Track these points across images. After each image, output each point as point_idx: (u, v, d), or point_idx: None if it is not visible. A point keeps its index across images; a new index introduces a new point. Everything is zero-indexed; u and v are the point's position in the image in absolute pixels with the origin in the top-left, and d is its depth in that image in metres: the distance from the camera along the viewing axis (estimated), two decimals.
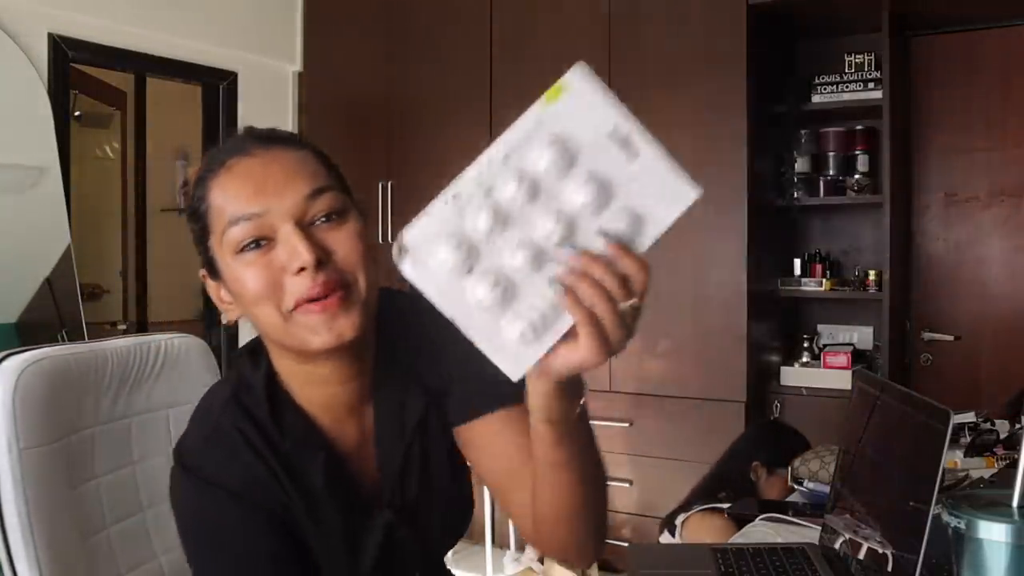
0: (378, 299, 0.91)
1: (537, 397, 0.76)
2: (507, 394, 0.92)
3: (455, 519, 1.06)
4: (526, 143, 0.67)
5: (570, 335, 0.67)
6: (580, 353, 0.67)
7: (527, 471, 0.90)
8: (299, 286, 0.84)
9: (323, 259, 0.84)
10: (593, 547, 0.93)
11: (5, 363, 1.23)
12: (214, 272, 0.91)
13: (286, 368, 0.94)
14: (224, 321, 0.93)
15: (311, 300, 0.84)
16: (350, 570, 0.96)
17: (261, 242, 0.86)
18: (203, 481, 0.91)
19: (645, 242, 0.71)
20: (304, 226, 0.85)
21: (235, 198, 0.86)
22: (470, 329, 0.67)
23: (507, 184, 0.66)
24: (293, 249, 0.84)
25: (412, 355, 0.98)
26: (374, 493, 0.99)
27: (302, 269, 0.84)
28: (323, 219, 0.87)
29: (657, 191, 0.73)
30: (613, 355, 0.68)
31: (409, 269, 0.67)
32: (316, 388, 0.94)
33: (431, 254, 0.66)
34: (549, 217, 0.67)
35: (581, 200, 0.68)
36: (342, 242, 0.86)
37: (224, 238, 0.87)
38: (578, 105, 0.69)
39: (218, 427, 0.93)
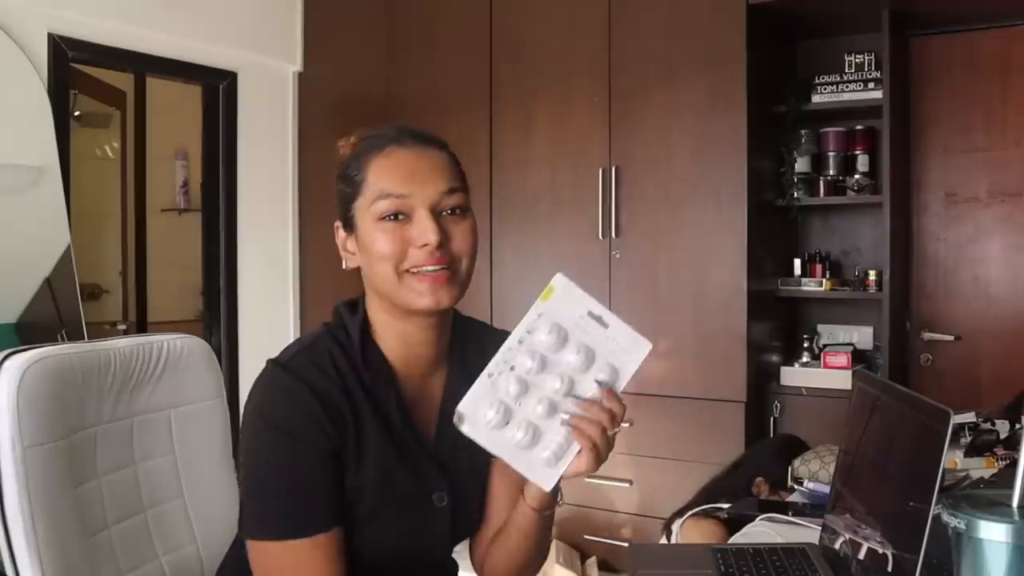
0: (460, 321, 1.20)
1: (540, 496, 1.09)
2: None
3: (482, 505, 1.21)
4: (533, 330, 1.00)
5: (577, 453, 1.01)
6: (584, 466, 1.01)
7: (501, 518, 1.17)
8: (420, 256, 1.06)
9: (443, 242, 1.07)
10: None
11: (8, 362, 1.24)
12: (349, 226, 1.14)
13: (381, 320, 1.13)
14: (344, 266, 1.17)
15: (424, 271, 1.06)
16: (385, 518, 1.09)
17: (400, 216, 1.07)
18: (288, 374, 1.06)
19: (622, 384, 1.02)
20: (436, 213, 1.08)
21: (388, 178, 1.08)
22: (513, 461, 1.01)
23: (524, 361, 1.00)
24: (425, 229, 1.06)
25: (477, 356, 1.15)
26: (431, 459, 1.14)
27: (425, 245, 1.06)
28: (450, 212, 1.09)
29: (624, 348, 1.01)
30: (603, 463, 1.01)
31: (467, 429, 1.00)
32: (401, 344, 1.13)
33: (480, 416, 1.00)
34: (555, 378, 1.00)
35: (575, 363, 1.00)
36: (460, 232, 1.09)
37: (372, 206, 1.08)
38: (564, 299, 1.01)
39: (314, 345, 1.11)
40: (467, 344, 1.20)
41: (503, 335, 1.13)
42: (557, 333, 0.99)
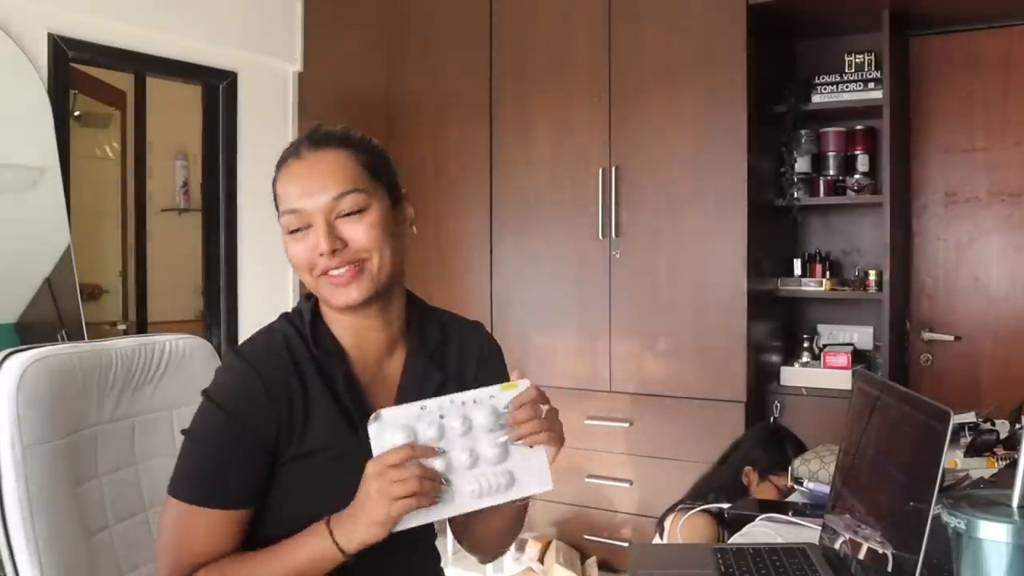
0: (411, 299, 1.27)
1: None
2: None
3: None
4: (479, 403, 1.08)
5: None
6: (552, 451, 1.10)
7: None
8: (322, 262, 1.14)
9: (338, 247, 1.13)
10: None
11: (9, 361, 1.24)
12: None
13: (328, 310, 1.22)
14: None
15: (330, 274, 1.14)
16: (333, 497, 1.11)
17: (303, 228, 1.15)
18: (239, 359, 1.16)
19: (505, 498, 1.09)
20: (331, 220, 1.14)
21: (286, 194, 1.16)
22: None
23: (454, 421, 1.07)
24: (318, 239, 1.13)
25: (441, 346, 1.27)
26: None
27: (322, 254, 1.13)
28: (346, 214, 1.14)
29: (533, 472, 1.09)
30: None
31: (373, 430, 1.05)
32: (349, 329, 1.21)
33: (390, 433, 1.05)
34: (465, 452, 1.06)
35: (490, 455, 1.07)
36: (360, 230, 1.14)
37: (282, 219, 1.18)
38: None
39: (270, 330, 1.22)
40: (425, 327, 1.27)
41: (461, 321, 1.33)
42: (493, 420, 1.07)
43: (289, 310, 1.26)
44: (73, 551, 1.26)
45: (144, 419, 1.42)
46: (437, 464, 1.05)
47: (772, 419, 3.02)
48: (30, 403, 1.22)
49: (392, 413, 1.05)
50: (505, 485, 1.08)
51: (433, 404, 1.07)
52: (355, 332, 1.21)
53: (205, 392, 1.15)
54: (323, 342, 1.20)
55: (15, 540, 1.20)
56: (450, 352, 1.28)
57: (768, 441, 2.39)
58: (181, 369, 1.47)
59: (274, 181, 1.20)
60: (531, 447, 1.09)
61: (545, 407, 1.09)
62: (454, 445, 1.06)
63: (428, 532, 1.30)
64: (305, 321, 1.21)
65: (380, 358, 1.23)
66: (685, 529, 2.05)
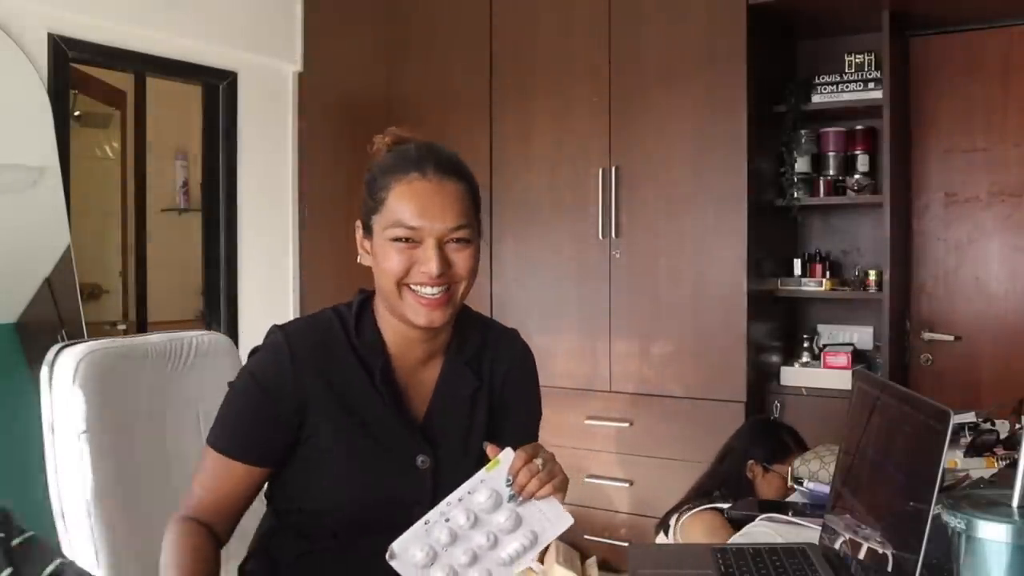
0: (465, 314, 1.34)
1: None
2: (536, 435, 1.39)
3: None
4: (473, 491, 1.14)
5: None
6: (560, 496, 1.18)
7: None
8: (422, 278, 1.21)
9: (444, 271, 1.22)
10: None
11: (63, 355, 1.36)
12: (367, 229, 1.27)
13: (382, 312, 1.29)
14: (359, 260, 1.31)
15: (423, 292, 1.22)
16: (369, 464, 1.25)
17: (408, 240, 1.22)
18: (278, 334, 1.26)
19: (538, 549, 1.18)
20: (442, 244, 1.22)
21: (405, 210, 1.22)
22: None
23: (459, 517, 1.13)
24: (429, 259, 1.20)
25: (479, 352, 1.35)
26: (413, 424, 1.29)
27: (425, 271, 1.21)
28: (456, 242, 1.23)
29: (549, 518, 1.17)
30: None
31: (396, 564, 1.12)
32: (398, 334, 1.28)
33: (409, 555, 1.13)
34: (483, 535, 1.14)
35: (504, 524, 1.14)
36: (462, 259, 1.24)
37: (387, 229, 1.22)
38: (505, 470, 1.15)
39: (316, 316, 1.31)
40: (466, 340, 1.34)
41: (500, 329, 1.41)
42: (494, 498, 1.14)
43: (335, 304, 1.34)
44: (123, 534, 1.37)
45: (175, 412, 1.52)
46: (461, 557, 1.13)
47: (767, 416, 3.02)
48: (85, 394, 1.33)
49: (401, 542, 1.13)
50: (530, 543, 1.17)
51: (434, 514, 1.14)
52: (403, 338, 1.29)
53: (247, 362, 1.28)
54: (366, 336, 1.28)
55: (72, 520, 1.32)
56: (486, 359, 1.36)
57: (763, 433, 2.39)
58: (206, 363, 1.57)
59: (384, 187, 1.24)
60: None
61: (538, 460, 1.15)
62: (470, 537, 1.14)
63: None
64: (352, 313, 1.29)
65: (421, 363, 1.32)
66: (697, 526, 2.04)
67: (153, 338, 1.52)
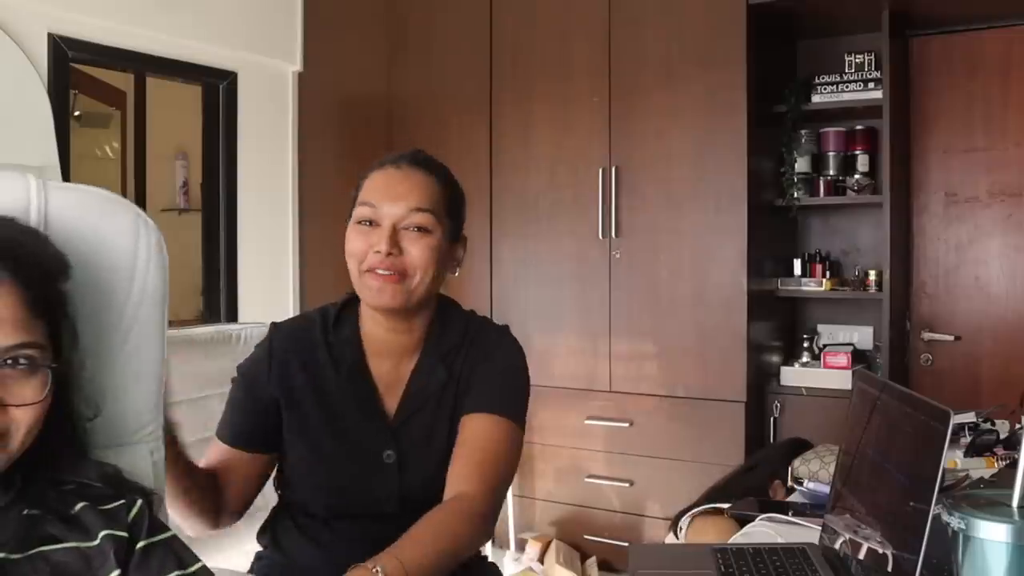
0: (444, 305, 1.38)
1: None
2: (497, 406, 1.32)
3: (437, 477, 1.32)
4: None
5: None
6: None
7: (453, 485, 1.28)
8: (374, 259, 1.27)
9: (394, 252, 1.26)
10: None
11: None
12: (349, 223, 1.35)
13: (364, 306, 1.35)
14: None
15: (376, 271, 1.27)
16: (338, 457, 1.31)
17: (371, 223, 1.28)
18: (268, 332, 1.38)
19: None
20: (398, 227, 1.27)
21: (369, 191, 1.30)
22: None
23: None
24: (381, 238, 1.26)
25: (456, 348, 1.37)
26: (382, 418, 1.34)
27: (378, 252, 1.26)
28: (414, 229, 1.28)
29: None
30: None
31: None
32: (377, 327, 1.35)
33: None
34: None
35: None
36: (417, 248, 1.27)
37: (354, 210, 1.31)
38: None
39: (303, 314, 1.43)
40: (445, 335, 1.38)
41: (486, 327, 1.42)
42: None
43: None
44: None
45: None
46: None
47: (773, 421, 3.02)
48: None
49: None
50: None
51: None
52: (381, 330, 1.34)
53: None
54: (343, 332, 1.35)
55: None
56: (461, 355, 1.37)
57: (793, 455, 2.37)
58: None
59: (363, 177, 1.33)
60: None
61: None
62: None
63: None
64: (335, 311, 1.37)
65: (399, 358, 1.36)
66: (707, 530, 2.03)
67: (200, 330, 1.63)
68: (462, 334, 1.38)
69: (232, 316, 3.64)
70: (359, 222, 1.30)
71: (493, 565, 1.48)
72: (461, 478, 1.25)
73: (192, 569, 0.90)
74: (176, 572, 0.88)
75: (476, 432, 1.30)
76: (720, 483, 2.32)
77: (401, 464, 1.32)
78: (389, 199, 1.28)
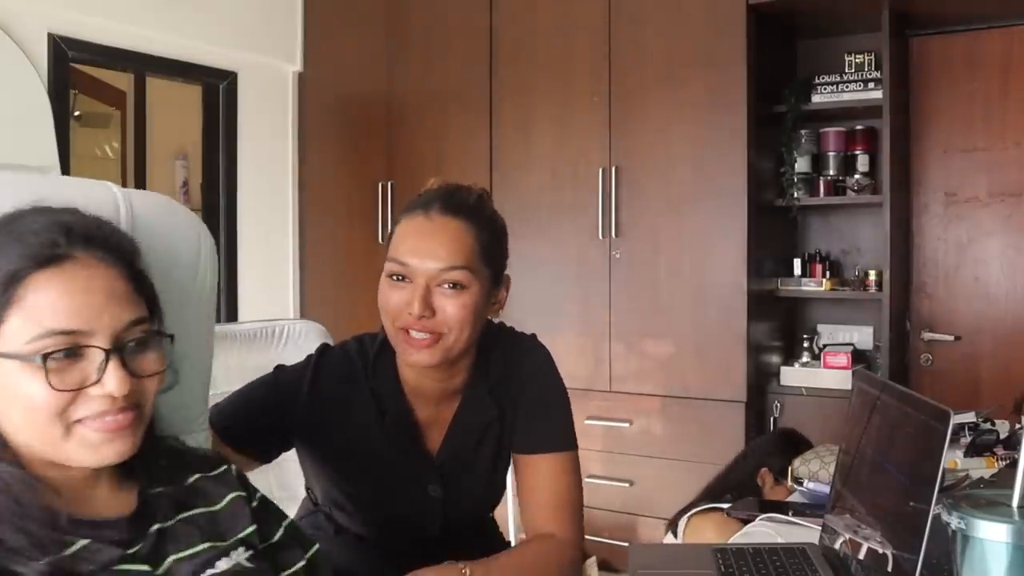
0: (490, 335, 1.32)
1: None
2: (558, 443, 1.35)
3: (482, 503, 1.41)
4: None
5: None
6: None
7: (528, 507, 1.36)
8: (408, 320, 1.19)
9: (427, 315, 1.18)
10: None
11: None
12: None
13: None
14: None
15: (411, 334, 1.20)
16: (382, 491, 1.30)
17: (404, 278, 1.20)
18: (315, 356, 1.31)
19: None
20: (431, 287, 1.19)
21: (401, 246, 1.21)
22: None
23: None
24: (413, 299, 1.18)
25: (502, 379, 1.33)
26: (427, 458, 1.32)
27: (411, 313, 1.18)
28: (448, 286, 1.19)
29: None
30: None
31: None
32: (411, 373, 1.29)
33: None
34: None
35: None
36: (452, 306, 1.19)
37: (386, 264, 1.23)
38: None
39: (344, 347, 1.33)
40: (489, 365, 1.33)
41: (520, 342, 1.37)
42: None
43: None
44: None
45: None
46: None
47: (773, 421, 3.02)
48: None
49: None
50: None
51: None
52: (416, 376, 1.29)
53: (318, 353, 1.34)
54: (382, 374, 1.29)
55: None
56: (514, 379, 1.34)
57: (785, 445, 2.38)
58: (298, 347, 1.67)
59: (395, 225, 1.25)
60: None
61: None
62: None
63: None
64: (373, 349, 1.31)
65: (438, 401, 1.32)
66: (704, 528, 2.04)
67: (242, 326, 1.64)
68: (502, 362, 1.34)
69: (232, 316, 3.64)
70: (390, 277, 1.22)
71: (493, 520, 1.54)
72: (545, 521, 1.32)
73: (291, 519, 1.01)
74: (285, 521, 0.99)
75: (545, 475, 1.33)
76: (712, 482, 2.33)
77: (447, 498, 1.32)
78: (419, 256, 1.19)
